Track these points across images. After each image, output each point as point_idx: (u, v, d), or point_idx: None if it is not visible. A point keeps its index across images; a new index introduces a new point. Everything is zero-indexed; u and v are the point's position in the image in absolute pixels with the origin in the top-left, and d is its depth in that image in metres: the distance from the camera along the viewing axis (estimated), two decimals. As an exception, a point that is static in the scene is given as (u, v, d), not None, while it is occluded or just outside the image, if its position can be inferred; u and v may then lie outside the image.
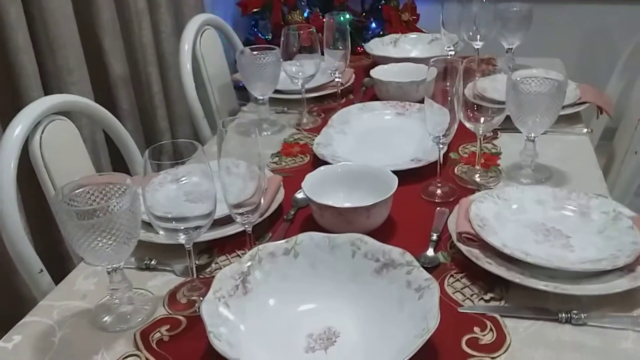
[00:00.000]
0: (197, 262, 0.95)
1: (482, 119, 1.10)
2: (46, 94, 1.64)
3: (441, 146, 1.08)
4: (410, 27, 2.64)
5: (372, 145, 1.31)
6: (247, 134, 0.86)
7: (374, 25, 2.73)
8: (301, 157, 1.29)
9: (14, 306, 1.47)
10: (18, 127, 1.03)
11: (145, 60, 2.05)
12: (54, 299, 0.89)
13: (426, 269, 0.87)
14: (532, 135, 1.12)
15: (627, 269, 0.81)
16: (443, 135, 1.06)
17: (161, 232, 0.81)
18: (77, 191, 0.79)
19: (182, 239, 0.82)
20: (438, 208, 1.04)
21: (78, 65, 1.70)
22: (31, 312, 0.86)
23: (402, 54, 1.82)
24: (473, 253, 0.87)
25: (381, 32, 2.63)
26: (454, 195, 1.09)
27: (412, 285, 0.75)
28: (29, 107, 1.06)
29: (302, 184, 1.00)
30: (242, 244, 0.97)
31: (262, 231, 1.02)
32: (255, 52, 1.38)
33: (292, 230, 1.02)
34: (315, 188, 1.01)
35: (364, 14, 2.71)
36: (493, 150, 1.26)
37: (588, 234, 0.91)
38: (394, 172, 1.07)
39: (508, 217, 0.95)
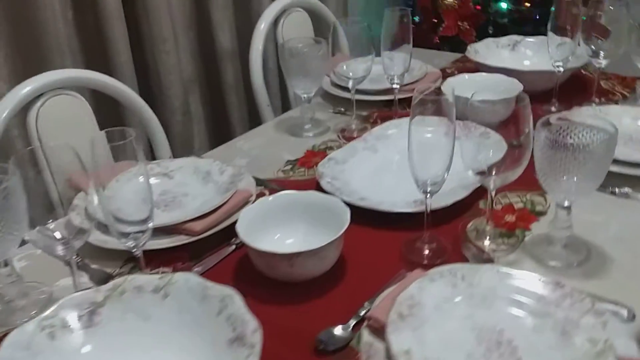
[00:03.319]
0: (119, 270, 0.89)
1: (494, 171, 0.85)
2: (137, 60, 1.71)
3: (428, 195, 0.85)
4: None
5: (394, 171, 1.10)
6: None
7: (538, 17, 2.35)
8: (314, 171, 1.15)
9: None
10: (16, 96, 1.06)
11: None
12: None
13: (326, 351, 0.71)
14: (567, 202, 0.83)
15: None
16: (432, 183, 0.84)
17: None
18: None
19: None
20: (402, 270, 0.83)
21: (173, 34, 1.73)
22: None
23: (517, 60, 1.52)
24: (373, 348, 0.67)
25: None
26: (441, 258, 0.87)
27: (240, 376, 0.60)
28: (32, 79, 1.08)
29: (243, 212, 0.87)
30: (175, 259, 0.89)
31: (202, 251, 0.91)
32: (299, 45, 1.25)
33: (235, 256, 0.90)
34: (275, 215, 0.89)
35: (527, 2, 2.35)
36: (538, 207, 0.98)
37: (553, 363, 0.65)
38: (391, 213, 0.90)
39: (456, 311, 0.72)
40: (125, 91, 1.22)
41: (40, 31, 1.46)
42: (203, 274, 0.86)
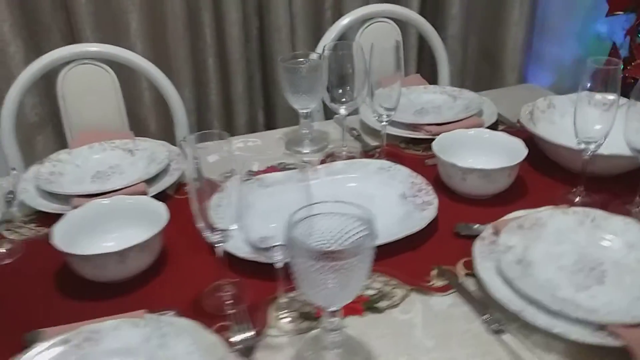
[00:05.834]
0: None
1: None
2: (258, 46, 1.87)
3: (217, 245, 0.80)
4: None
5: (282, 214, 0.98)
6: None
7: None
8: (253, 186, 1.13)
9: None
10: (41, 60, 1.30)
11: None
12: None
13: None
14: (332, 307, 0.70)
15: None
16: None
17: None
18: None
19: None
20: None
21: (290, 24, 1.82)
22: None
23: (599, 124, 1.20)
24: None
25: None
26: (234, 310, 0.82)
27: None
28: (64, 48, 1.31)
29: (67, 215, 0.93)
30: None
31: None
32: (299, 59, 1.23)
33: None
34: (115, 216, 0.95)
35: None
36: (378, 302, 0.82)
37: None
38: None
39: None
40: (150, 69, 1.37)
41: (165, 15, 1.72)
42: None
